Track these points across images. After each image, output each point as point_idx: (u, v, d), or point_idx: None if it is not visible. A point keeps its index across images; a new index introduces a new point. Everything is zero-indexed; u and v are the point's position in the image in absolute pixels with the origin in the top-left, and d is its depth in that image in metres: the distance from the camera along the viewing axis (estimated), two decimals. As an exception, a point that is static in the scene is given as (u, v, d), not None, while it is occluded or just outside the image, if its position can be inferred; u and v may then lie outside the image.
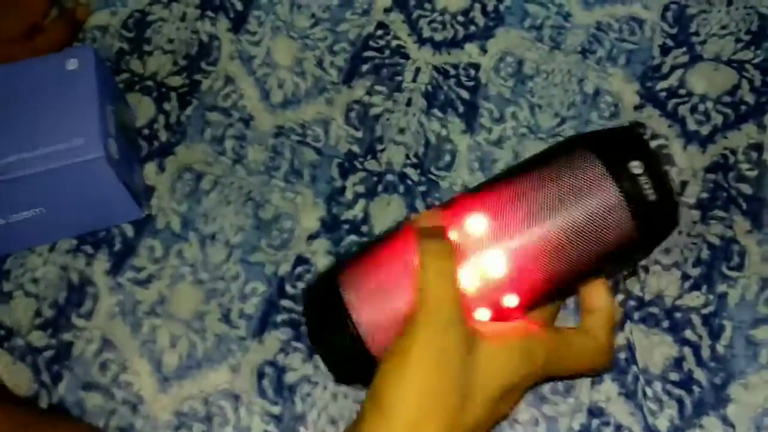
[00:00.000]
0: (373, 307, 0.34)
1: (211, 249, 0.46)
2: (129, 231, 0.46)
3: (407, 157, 0.47)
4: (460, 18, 0.52)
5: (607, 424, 0.41)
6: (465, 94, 0.49)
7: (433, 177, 0.47)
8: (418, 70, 0.50)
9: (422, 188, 0.47)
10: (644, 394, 0.41)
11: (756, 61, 0.49)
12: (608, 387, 0.41)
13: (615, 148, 0.36)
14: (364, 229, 0.46)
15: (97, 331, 0.44)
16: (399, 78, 0.50)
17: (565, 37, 0.51)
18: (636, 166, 0.35)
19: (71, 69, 0.43)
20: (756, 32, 0.50)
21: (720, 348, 0.42)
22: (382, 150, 0.48)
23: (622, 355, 0.42)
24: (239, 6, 0.53)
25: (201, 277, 0.45)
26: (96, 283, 0.45)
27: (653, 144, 0.47)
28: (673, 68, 0.50)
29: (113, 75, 0.50)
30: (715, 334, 0.42)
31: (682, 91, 0.49)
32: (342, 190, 0.47)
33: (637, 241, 0.35)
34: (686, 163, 0.47)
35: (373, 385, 0.32)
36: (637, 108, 0.49)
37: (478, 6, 0.53)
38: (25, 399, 0.42)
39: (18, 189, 0.42)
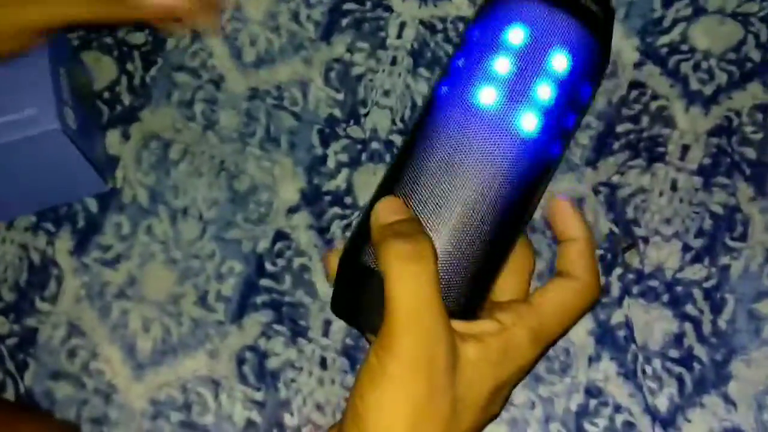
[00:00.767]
0: None
1: (182, 225, 0.42)
2: (92, 206, 0.43)
3: (393, 122, 0.44)
4: (447, -34, 0.48)
5: (605, 404, 0.39)
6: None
7: (421, 144, 0.44)
8: (402, 24, 0.46)
9: (409, 156, 0.43)
10: (643, 371, 0.39)
11: (762, 14, 0.46)
12: (606, 365, 0.39)
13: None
14: (348, 200, 0.43)
15: (63, 315, 0.41)
16: (382, 34, 0.46)
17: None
18: None
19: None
20: (762, -18, 0.47)
21: (721, 323, 0.40)
22: (366, 114, 0.44)
23: (621, 333, 0.40)
24: (205, -47, 0.48)
25: (173, 256, 0.42)
26: (59, 263, 0.42)
27: (653, 105, 0.45)
28: (675, 22, 0.47)
29: (65, 32, 0.45)
30: (716, 309, 0.40)
31: (684, 47, 0.46)
32: (323, 159, 0.44)
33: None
34: (688, 126, 0.44)
35: (354, 406, 0.30)
36: (637, 66, 0.46)
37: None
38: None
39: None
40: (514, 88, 0.32)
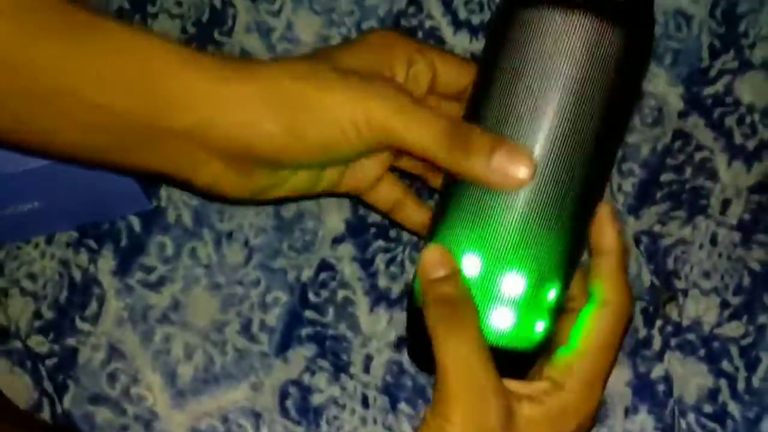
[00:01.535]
0: None
1: (227, 249, 0.42)
2: (136, 225, 0.42)
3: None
4: None
5: (640, 456, 0.40)
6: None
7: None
8: (454, 58, 0.46)
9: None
10: (678, 425, 0.40)
11: (807, 72, 0.47)
12: (643, 418, 0.40)
13: None
14: (392, 233, 0.43)
15: (103, 337, 0.40)
16: (433, 66, 0.46)
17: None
18: None
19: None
20: (809, 40, 0.48)
21: (756, 381, 0.41)
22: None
23: (661, 387, 0.41)
24: (258, -30, 0.47)
25: (217, 281, 0.41)
26: (102, 282, 0.41)
27: (696, 156, 0.45)
28: (721, 73, 0.47)
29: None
30: (751, 366, 0.41)
31: (728, 99, 0.47)
32: (370, 190, 0.43)
33: (633, 46, 0.32)
34: (730, 180, 0.45)
35: None
36: (682, 115, 0.46)
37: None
38: (25, 411, 0.39)
39: (11, 185, 0.37)
40: None
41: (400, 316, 0.41)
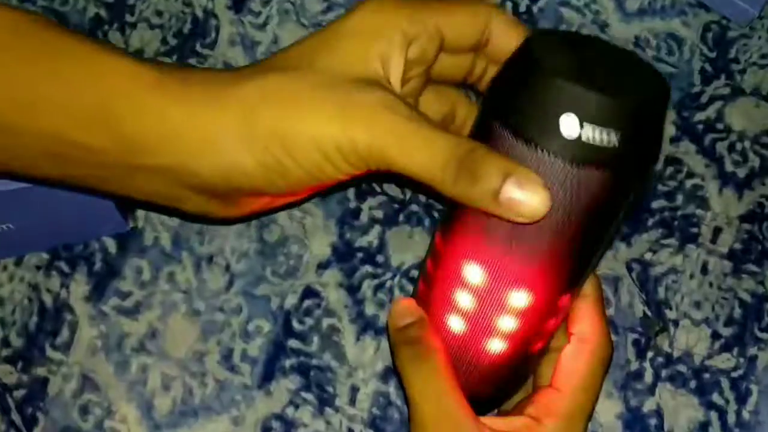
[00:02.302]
0: None
1: (208, 274, 0.40)
2: (111, 247, 0.40)
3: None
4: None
5: (630, 491, 0.39)
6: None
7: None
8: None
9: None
10: (668, 460, 0.39)
11: (798, 100, 0.47)
12: (634, 454, 0.39)
13: (531, 105, 0.26)
14: (380, 259, 0.42)
15: (75, 366, 0.38)
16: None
17: (604, 53, 0.46)
18: (568, 123, 0.26)
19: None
20: (799, 67, 0.47)
21: (745, 414, 0.41)
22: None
23: (653, 422, 0.40)
24: (242, -20, 0.46)
25: (197, 307, 0.40)
26: (74, 308, 0.39)
27: (688, 183, 0.44)
28: (712, 99, 0.47)
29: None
30: (741, 399, 0.41)
31: (719, 126, 0.46)
32: (356, 213, 0.42)
33: (622, 186, 0.28)
34: (721, 209, 0.44)
35: None
36: (674, 141, 0.46)
37: (509, 5, 0.47)
38: (-9, 445, 0.36)
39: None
40: None
41: (387, 345, 0.40)
